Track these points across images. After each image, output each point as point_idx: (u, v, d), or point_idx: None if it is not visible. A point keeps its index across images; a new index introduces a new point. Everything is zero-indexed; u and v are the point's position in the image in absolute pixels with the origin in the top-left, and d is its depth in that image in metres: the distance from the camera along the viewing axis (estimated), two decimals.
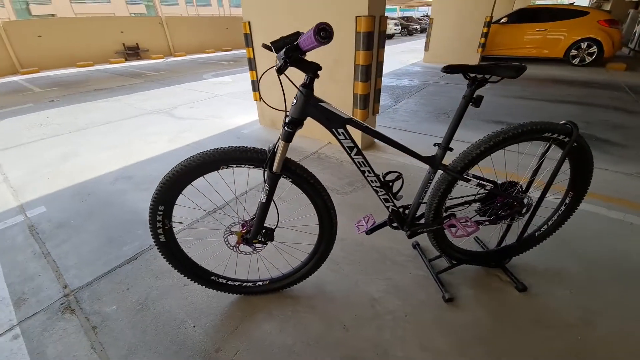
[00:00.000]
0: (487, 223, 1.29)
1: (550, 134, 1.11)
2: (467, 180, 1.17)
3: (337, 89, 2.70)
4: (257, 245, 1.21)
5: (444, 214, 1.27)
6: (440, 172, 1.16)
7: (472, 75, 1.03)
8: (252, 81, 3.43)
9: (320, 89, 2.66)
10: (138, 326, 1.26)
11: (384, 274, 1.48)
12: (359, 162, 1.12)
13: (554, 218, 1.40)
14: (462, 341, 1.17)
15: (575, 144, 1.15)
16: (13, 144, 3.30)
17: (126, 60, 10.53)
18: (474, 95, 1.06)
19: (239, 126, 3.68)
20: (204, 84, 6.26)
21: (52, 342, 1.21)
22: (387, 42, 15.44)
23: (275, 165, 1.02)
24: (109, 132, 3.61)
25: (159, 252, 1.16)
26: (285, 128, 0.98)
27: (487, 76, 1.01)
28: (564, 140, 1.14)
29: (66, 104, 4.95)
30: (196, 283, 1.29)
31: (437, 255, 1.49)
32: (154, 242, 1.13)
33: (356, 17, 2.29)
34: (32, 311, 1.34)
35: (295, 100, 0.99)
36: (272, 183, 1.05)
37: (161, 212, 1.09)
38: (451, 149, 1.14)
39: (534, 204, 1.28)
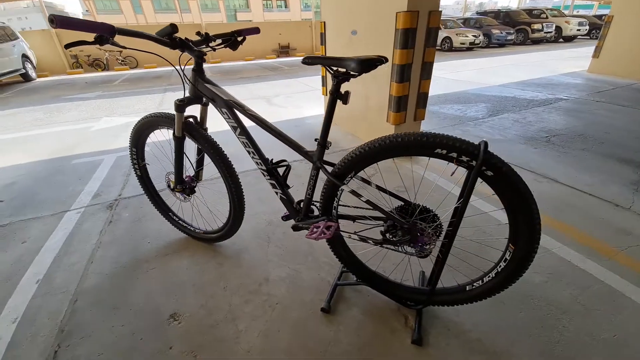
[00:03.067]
0: (371, 242, 1.11)
1: (444, 151, 0.87)
2: (342, 183, 1.05)
3: (376, 88, 2.60)
4: (182, 193, 1.50)
5: (332, 216, 1.18)
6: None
7: (333, 68, 0.94)
8: (322, 77, 3.69)
9: (362, 87, 2.66)
10: (129, 229, 1.82)
11: (296, 266, 1.49)
12: (243, 142, 1.22)
13: (490, 275, 1.03)
14: (301, 348, 1.11)
15: (489, 173, 0.84)
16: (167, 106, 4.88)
17: (277, 56, 12.85)
18: (341, 91, 0.96)
19: (307, 117, 4.05)
20: (315, 79, 7.01)
21: (91, 220, 1.93)
22: (560, 45, 12.16)
23: (175, 131, 1.28)
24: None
25: (139, 183, 1.66)
26: (177, 102, 1.21)
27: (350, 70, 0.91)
28: (471, 164, 0.86)
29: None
30: (160, 214, 1.74)
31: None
32: (136, 174, 1.63)
33: (396, 13, 2.15)
34: (96, 202, 2.15)
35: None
36: (177, 143, 1.32)
37: (135, 153, 1.55)
38: (326, 146, 1.07)
39: (438, 239, 1.01)
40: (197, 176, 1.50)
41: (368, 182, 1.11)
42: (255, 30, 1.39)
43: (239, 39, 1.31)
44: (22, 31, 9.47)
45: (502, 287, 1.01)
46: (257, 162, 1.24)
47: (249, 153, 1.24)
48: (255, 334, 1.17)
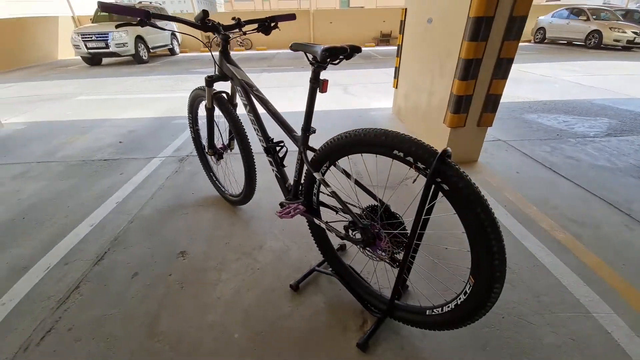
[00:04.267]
0: (335, 234, 1.10)
1: (401, 153, 0.80)
2: (318, 171, 1.07)
3: (442, 84, 2.35)
4: (213, 157, 1.76)
5: (313, 202, 1.21)
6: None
7: (310, 56, 0.94)
8: (396, 68, 3.51)
9: (429, 82, 2.48)
10: (184, 180, 2.26)
11: (290, 243, 1.59)
12: (250, 119, 1.35)
13: (450, 306, 0.90)
14: (257, 311, 1.22)
15: (445, 187, 0.74)
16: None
17: (376, 45, 12.55)
18: (320, 78, 0.96)
19: (373, 108, 3.96)
20: None
21: (165, 167, 2.45)
22: None
23: (207, 102, 1.50)
24: (294, 90, 5.06)
25: (193, 144, 2.02)
26: (207, 78, 1.41)
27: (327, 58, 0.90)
28: (427, 172, 0.77)
29: (304, 70, 7.12)
30: (205, 172, 2.08)
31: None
32: (191, 136, 1.99)
33: None
34: (174, 155, 2.70)
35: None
36: (208, 113, 1.55)
37: (190, 119, 1.89)
38: (308, 131, 1.10)
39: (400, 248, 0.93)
40: (229, 145, 1.74)
41: (348, 175, 1.09)
42: (291, 17, 1.47)
43: (272, 24, 1.42)
44: (173, 13, 11.92)
45: (461, 322, 0.89)
46: (259, 139, 1.36)
47: (255, 130, 1.37)
48: (230, 287, 1.34)
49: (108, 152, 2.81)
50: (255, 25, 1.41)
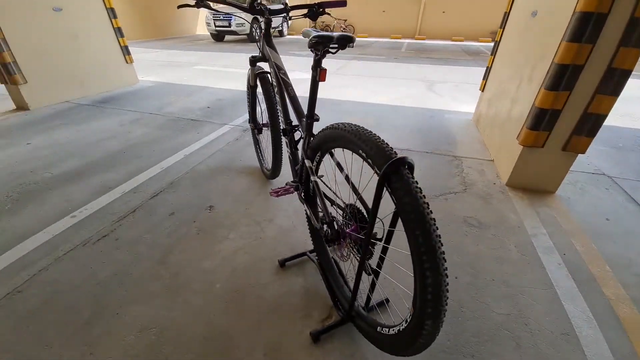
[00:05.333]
0: (313, 223, 1.09)
1: (364, 153, 0.75)
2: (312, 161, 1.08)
3: (528, 92, 1.94)
4: (256, 132, 1.93)
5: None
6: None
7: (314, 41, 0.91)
8: (487, 68, 3.03)
9: (515, 88, 2.15)
10: (239, 147, 2.55)
11: (297, 223, 1.66)
12: (276, 100, 1.41)
13: (395, 330, 0.82)
14: (242, 273, 1.35)
15: (393, 197, 0.68)
16: (371, 74, 5.55)
17: (491, 40, 10.87)
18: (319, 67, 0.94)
19: (450, 110, 3.56)
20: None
21: (229, 134, 2.81)
22: None
23: (250, 80, 1.64)
24: (375, 81, 4.90)
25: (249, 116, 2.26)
26: (250, 58, 1.53)
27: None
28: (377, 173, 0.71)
29: (396, 62, 6.80)
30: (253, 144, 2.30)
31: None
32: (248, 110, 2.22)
33: None
34: (240, 125, 3.04)
35: None
36: (250, 90, 1.70)
37: (249, 95, 2.10)
38: (311, 119, 1.10)
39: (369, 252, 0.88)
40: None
41: (341, 169, 1.08)
42: (341, 4, 1.45)
43: (320, 10, 1.43)
44: None
45: (401, 350, 0.81)
46: (280, 120, 1.43)
47: (278, 111, 1.44)
48: (232, 245, 1.51)
49: (197, 114, 3.36)
50: (304, 11, 1.45)
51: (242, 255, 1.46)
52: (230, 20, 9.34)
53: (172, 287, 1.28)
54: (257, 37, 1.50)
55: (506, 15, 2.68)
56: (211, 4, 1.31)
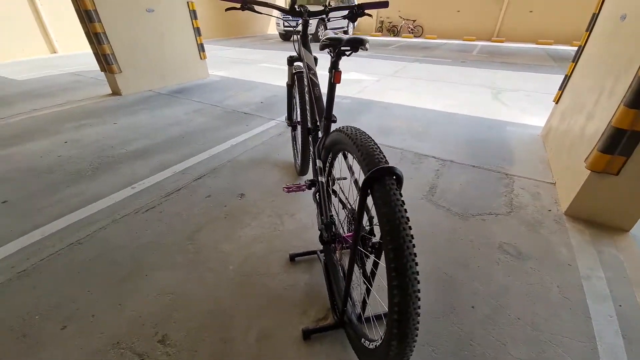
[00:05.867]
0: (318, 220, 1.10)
1: (355, 156, 0.74)
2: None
3: (607, 108, 1.64)
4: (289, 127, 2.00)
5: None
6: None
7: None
8: (565, 76, 2.62)
9: (593, 102, 1.89)
10: (279, 142, 2.67)
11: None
12: (306, 99, 1.45)
13: (374, 344, 0.78)
14: (255, 261, 1.43)
15: (375, 206, 0.65)
16: (436, 78, 5.36)
17: None
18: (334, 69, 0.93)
19: (517, 123, 3.17)
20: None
21: (273, 129, 2.96)
22: None
23: (288, 79, 1.70)
24: (433, 85, 4.60)
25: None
26: (288, 58, 1.58)
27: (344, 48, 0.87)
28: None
29: (463, 66, 6.29)
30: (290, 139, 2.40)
31: None
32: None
33: None
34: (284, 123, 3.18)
35: None
36: (288, 89, 1.76)
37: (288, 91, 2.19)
38: (328, 120, 1.11)
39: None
40: None
41: (352, 172, 1.07)
42: (383, 5, 1.41)
43: (360, 12, 1.42)
44: None
45: None
46: (307, 119, 1.47)
47: (306, 110, 1.48)
48: (252, 233, 1.61)
49: (250, 107, 3.61)
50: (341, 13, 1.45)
51: (258, 243, 1.54)
52: (298, 20, 9.73)
53: (193, 262, 1.43)
54: (295, 38, 1.56)
55: (594, 17, 2.28)
56: (255, 6, 1.40)
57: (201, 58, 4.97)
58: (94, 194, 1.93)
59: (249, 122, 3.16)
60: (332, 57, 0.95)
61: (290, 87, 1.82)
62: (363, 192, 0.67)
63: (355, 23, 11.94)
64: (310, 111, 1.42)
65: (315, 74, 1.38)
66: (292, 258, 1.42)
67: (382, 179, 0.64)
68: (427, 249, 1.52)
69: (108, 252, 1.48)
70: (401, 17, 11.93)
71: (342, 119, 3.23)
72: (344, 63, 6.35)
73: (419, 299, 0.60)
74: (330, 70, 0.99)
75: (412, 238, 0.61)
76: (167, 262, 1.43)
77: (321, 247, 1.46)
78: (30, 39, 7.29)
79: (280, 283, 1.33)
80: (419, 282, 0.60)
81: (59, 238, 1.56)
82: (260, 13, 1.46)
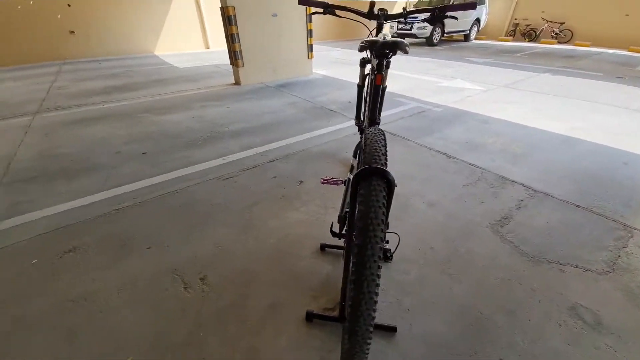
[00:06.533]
0: None
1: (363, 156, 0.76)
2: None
3: None
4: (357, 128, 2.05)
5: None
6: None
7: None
8: None
9: None
10: (350, 140, 2.75)
11: None
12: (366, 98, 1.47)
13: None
14: (287, 247, 1.57)
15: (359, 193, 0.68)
16: (564, 94, 4.61)
17: None
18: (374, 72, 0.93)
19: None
20: None
21: (352, 130, 3.05)
22: None
23: (360, 81, 1.74)
24: (569, 105, 3.75)
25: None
26: (361, 59, 1.62)
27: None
28: None
29: (617, 82, 4.90)
30: None
31: None
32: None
33: None
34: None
35: None
36: (358, 89, 1.80)
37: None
38: (372, 122, 1.13)
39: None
40: None
41: None
42: (470, 6, 1.31)
43: (441, 14, 1.35)
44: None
45: None
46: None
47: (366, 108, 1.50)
48: (297, 216, 1.76)
49: (337, 106, 3.80)
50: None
51: (299, 226, 1.68)
52: (413, 23, 9.41)
53: (244, 227, 1.68)
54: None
55: None
56: (336, 11, 1.51)
57: (308, 57, 5.47)
58: (197, 159, 2.46)
59: (331, 118, 3.34)
60: (376, 59, 0.97)
61: (360, 88, 1.87)
62: (352, 189, 0.70)
63: (481, 26, 10.69)
64: (370, 109, 1.45)
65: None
66: (323, 248, 1.50)
67: (369, 179, 0.65)
68: (469, 280, 1.35)
69: (191, 203, 1.89)
70: (544, 19, 9.98)
71: (422, 127, 3.05)
72: (444, 69, 5.85)
73: (374, 301, 0.60)
74: (372, 72, 1.01)
75: (381, 241, 0.61)
76: (227, 221, 1.73)
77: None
78: (192, 36, 9.48)
79: (305, 266, 1.43)
80: (377, 285, 0.60)
81: (165, 185, 2.09)
82: (341, 17, 1.56)
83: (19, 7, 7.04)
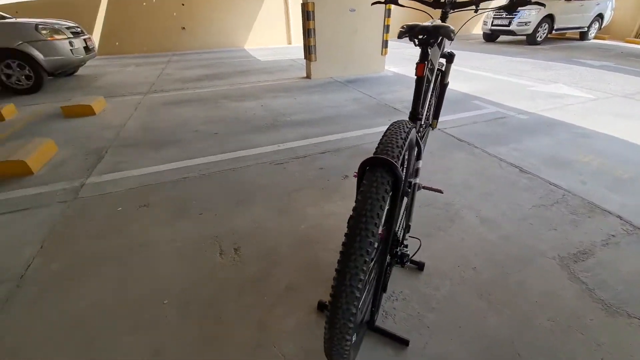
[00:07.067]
0: None
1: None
2: None
3: None
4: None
5: None
6: None
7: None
8: None
9: None
10: None
11: None
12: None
13: None
14: (316, 232, 1.59)
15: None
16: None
17: None
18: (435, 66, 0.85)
19: None
20: None
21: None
22: None
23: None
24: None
25: None
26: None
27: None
28: None
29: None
30: None
31: None
32: None
33: None
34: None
35: None
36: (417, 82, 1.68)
37: None
38: (415, 117, 1.06)
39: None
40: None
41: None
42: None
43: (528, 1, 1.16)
44: None
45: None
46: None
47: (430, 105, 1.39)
48: (332, 209, 1.76)
49: (402, 104, 3.62)
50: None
51: (332, 218, 1.68)
52: (514, 18, 8.23)
53: (282, 210, 1.77)
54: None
55: None
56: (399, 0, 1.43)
57: (382, 54, 5.32)
58: (257, 143, 2.66)
59: (392, 117, 3.21)
60: (419, 47, 0.90)
61: (419, 80, 1.74)
62: (358, 178, 0.67)
63: (604, 23, 8.74)
64: (433, 105, 1.36)
65: (432, 70, 1.29)
66: None
67: (374, 169, 0.62)
68: (512, 312, 1.16)
69: (243, 182, 2.07)
70: None
71: (497, 135, 2.68)
72: (542, 72, 4.97)
73: (356, 297, 0.57)
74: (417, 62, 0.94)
75: (373, 235, 0.57)
76: (268, 202, 1.84)
77: None
78: (278, 32, 10.15)
79: (328, 258, 1.43)
80: (360, 280, 0.57)
81: (226, 163, 2.33)
82: (403, 6, 1.47)
83: (144, 3, 8.61)
